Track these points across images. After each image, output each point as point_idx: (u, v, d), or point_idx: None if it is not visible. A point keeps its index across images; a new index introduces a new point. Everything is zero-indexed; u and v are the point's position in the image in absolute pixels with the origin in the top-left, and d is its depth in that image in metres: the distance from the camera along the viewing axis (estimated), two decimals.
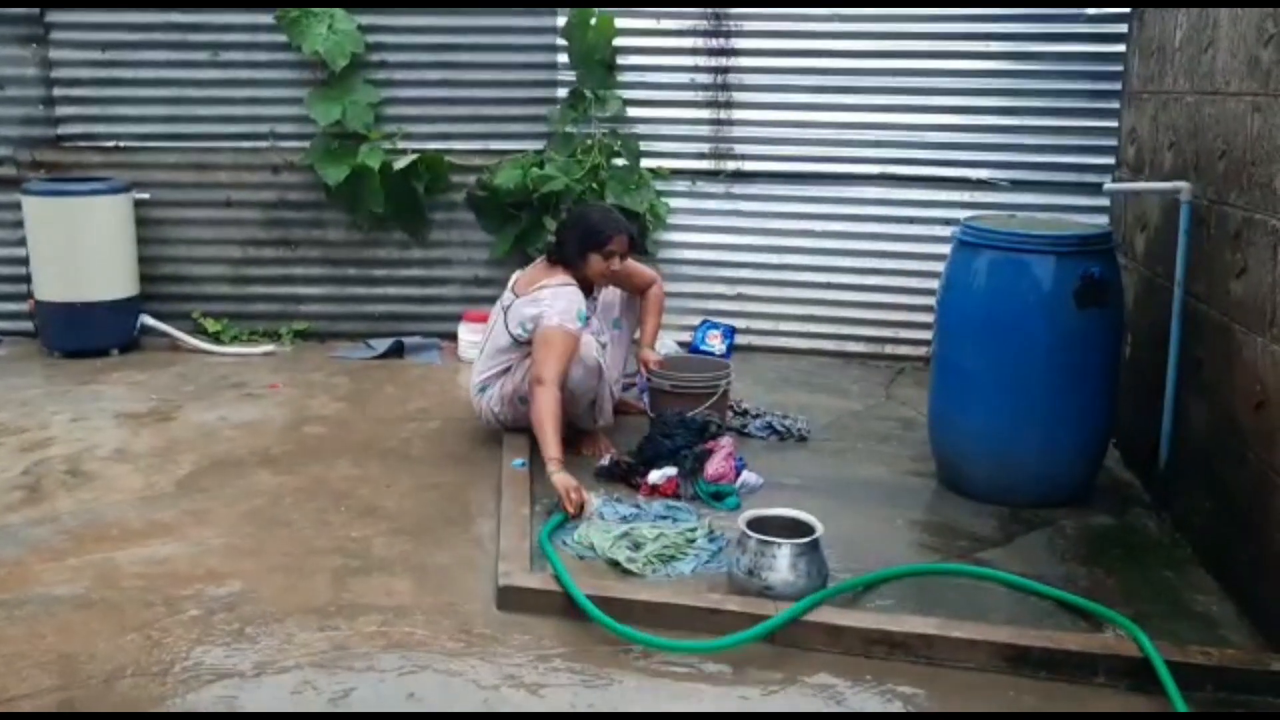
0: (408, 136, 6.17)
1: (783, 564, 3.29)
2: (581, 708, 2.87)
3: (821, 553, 3.36)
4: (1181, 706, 2.83)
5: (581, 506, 3.85)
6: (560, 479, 3.91)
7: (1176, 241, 3.97)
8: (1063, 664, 3.04)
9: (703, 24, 5.97)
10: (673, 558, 3.60)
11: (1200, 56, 4.03)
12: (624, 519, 3.86)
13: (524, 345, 4.42)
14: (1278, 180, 3.29)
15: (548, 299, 4.35)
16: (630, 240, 4.59)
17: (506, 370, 4.51)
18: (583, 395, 4.41)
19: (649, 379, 4.71)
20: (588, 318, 4.45)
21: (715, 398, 4.61)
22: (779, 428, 4.86)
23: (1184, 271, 3.95)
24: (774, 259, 6.15)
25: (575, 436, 4.57)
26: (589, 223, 4.52)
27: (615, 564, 3.56)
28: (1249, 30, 3.56)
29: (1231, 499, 3.51)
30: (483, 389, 4.58)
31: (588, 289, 4.57)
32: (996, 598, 3.43)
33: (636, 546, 3.64)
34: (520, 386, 4.43)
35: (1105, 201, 5.51)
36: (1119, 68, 5.50)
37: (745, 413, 5.00)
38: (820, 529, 3.39)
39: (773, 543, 3.31)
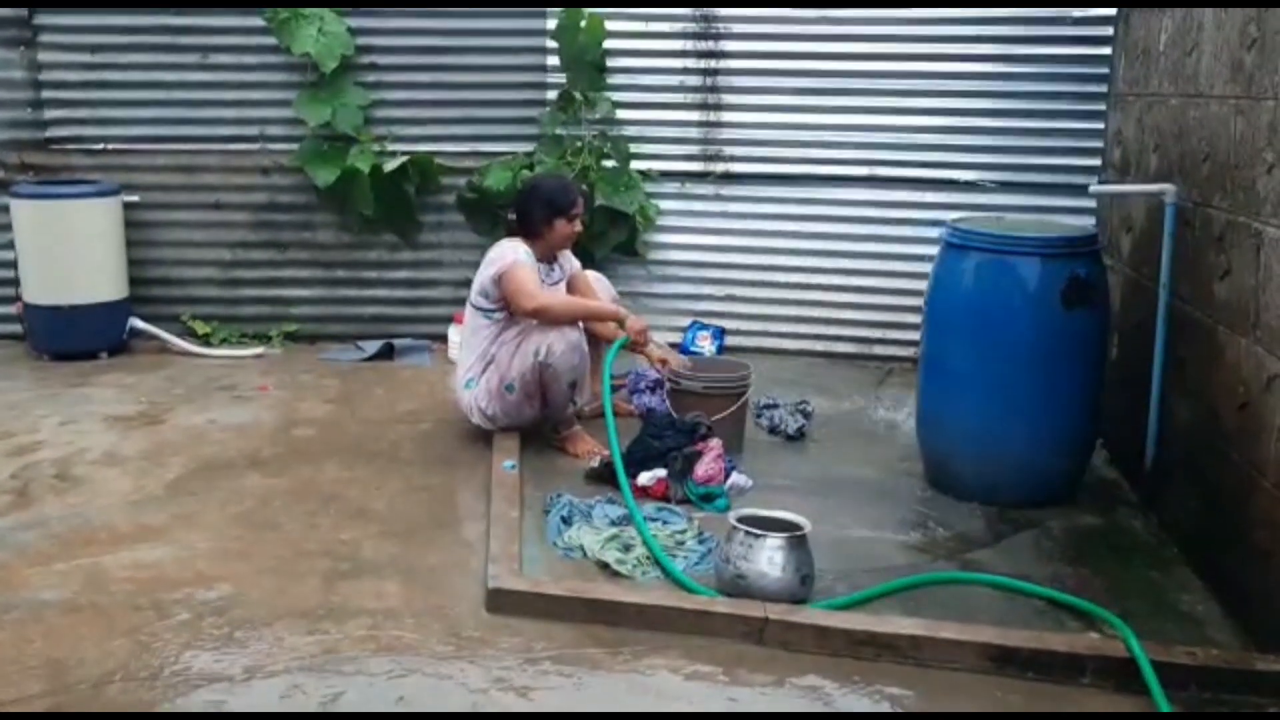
0: (398, 138, 6.16)
1: (760, 556, 3.31)
2: (570, 710, 2.87)
3: (806, 552, 3.37)
4: (1165, 707, 2.85)
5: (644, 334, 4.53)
6: (634, 319, 4.56)
7: (1161, 243, 3.99)
8: (1049, 664, 3.06)
9: (692, 26, 5.98)
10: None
11: (1185, 59, 4.05)
12: (614, 521, 3.87)
13: (494, 317, 4.51)
14: (1260, 183, 3.31)
15: (494, 256, 4.53)
16: (585, 200, 4.84)
17: (490, 362, 4.52)
18: (565, 373, 4.41)
19: (670, 381, 4.69)
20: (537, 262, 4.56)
21: (743, 400, 4.61)
22: (791, 416, 4.91)
23: (1169, 273, 3.97)
24: (763, 260, 6.17)
25: (564, 439, 4.60)
26: (549, 191, 4.65)
27: (605, 566, 3.56)
28: (1232, 34, 3.58)
29: (1217, 498, 3.53)
30: (468, 384, 4.59)
31: (550, 259, 4.69)
32: (984, 598, 3.45)
33: (626, 548, 3.65)
34: (506, 374, 4.45)
35: (1091, 203, 5.54)
36: (1105, 70, 5.53)
37: (774, 405, 5.03)
38: (807, 527, 3.40)
39: (755, 535, 3.33)
